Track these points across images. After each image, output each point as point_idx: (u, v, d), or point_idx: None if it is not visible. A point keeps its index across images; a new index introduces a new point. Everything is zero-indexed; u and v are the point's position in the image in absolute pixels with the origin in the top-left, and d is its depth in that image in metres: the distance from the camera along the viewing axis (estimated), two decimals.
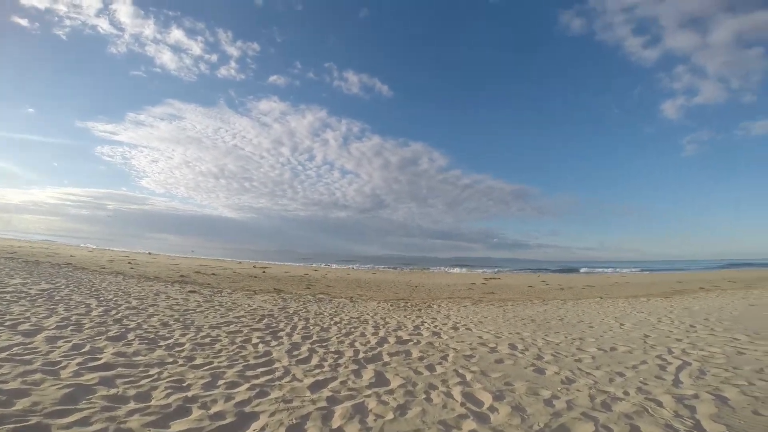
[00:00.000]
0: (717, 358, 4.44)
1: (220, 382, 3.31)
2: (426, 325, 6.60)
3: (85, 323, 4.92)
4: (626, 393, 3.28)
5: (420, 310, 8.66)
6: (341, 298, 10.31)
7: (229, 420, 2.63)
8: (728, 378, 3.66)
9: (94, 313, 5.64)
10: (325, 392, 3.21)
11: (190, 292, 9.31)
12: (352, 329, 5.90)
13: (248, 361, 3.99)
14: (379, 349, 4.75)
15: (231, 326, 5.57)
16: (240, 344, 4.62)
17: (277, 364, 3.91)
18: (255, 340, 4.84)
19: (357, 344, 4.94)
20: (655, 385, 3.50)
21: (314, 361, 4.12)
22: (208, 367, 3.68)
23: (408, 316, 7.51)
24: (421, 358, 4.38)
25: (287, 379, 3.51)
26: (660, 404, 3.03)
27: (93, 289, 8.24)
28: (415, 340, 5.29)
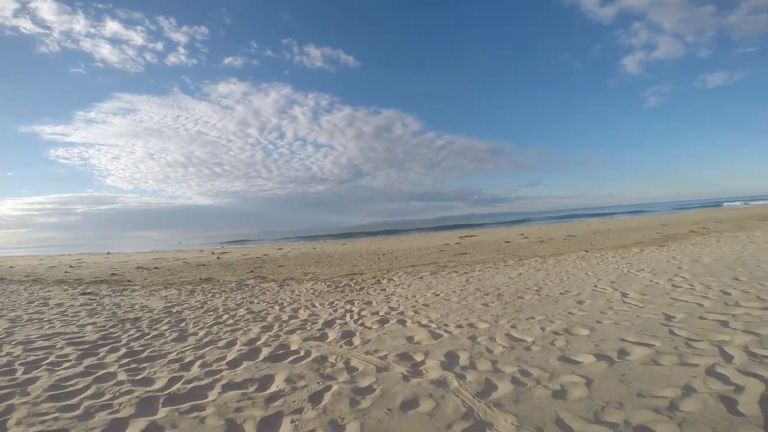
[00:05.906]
0: None
1: None
2: (348, 316, 4.87)
3: None
4: None
5: (362, 289, 7.05)
6: (273, 281, 8.68)
7: None
8: None
9: None
10: None
11: (82, 294, 7.62)
12: (227, 333, 4.24)
13: None
14: (222, 374, 3.01)
15: (35, 343, 3.89)
16: None
17: None
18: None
19: (194, 367, 3.20)
20: None
21: (75, 398, 2.44)
22: None
23: (336, 302, 5.87)
24: (271, 398, 2.53)
25: None
26: None
27: None
28: (303, 351, 3.50)
